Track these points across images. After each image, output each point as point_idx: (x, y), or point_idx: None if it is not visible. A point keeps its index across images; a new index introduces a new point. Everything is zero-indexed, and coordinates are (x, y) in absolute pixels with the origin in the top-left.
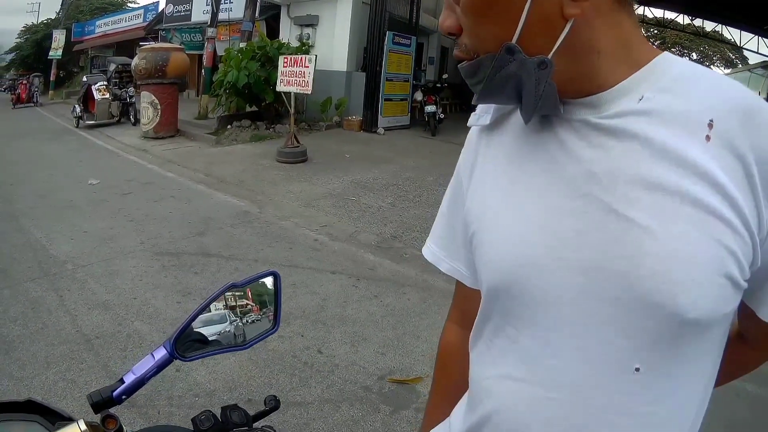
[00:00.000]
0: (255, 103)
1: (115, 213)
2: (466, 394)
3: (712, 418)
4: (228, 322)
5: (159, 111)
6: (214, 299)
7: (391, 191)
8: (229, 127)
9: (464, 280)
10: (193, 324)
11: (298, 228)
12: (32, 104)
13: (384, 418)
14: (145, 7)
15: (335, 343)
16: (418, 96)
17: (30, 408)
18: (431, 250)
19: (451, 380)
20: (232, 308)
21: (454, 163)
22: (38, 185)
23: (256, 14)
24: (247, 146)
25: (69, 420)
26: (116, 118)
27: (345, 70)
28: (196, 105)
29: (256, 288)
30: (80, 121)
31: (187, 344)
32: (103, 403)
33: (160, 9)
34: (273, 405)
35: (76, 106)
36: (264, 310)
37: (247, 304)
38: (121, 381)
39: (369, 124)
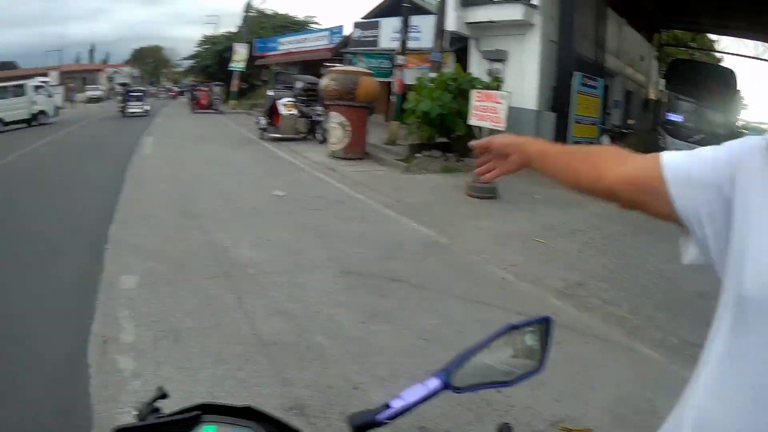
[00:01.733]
0: (445, 134)
1: (302, 227)
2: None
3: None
4: (499, 359)
5: (348, 132)
6: (496, 338)
7: (579, 237)
8: (418, 155)
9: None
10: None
11: (487, 264)
12: (212, 111)
13: None
14: (331, 30)
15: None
16: (605, 140)
17: (246, 414)
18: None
19: (587, 161)
20: (506, 347)
21: (639, 214)
22: (224, 190)
23: (446, 45)
24: (437, 176)
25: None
26: (302, 135)
27: (534, 108)
28: (383, 129)
29: (529, 330)
30: (264, 133)
31: (458, 376)
32: (363, 426)
33: (345, 32)
34: None
35: (261, 118)
36: (532, 351)
37: (520, 345)
38: (387, 406)
39: None
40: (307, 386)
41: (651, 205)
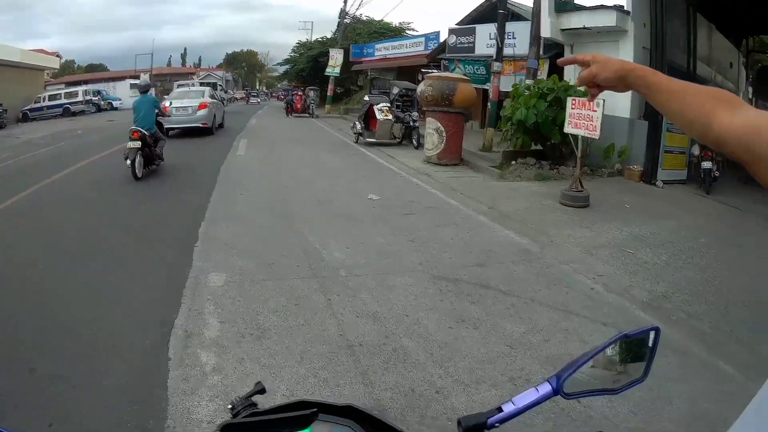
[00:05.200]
0: (540, 142)
1: (395, 231)
2: None
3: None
4: (607, 368)
5: (444, 138)
6: (608, 346)
7: (666, 248)
8: (513, 162)
9: None
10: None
11: (576, 273)
12: (307, 115)
13: None
14: (426, 36)
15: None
16: (695, 150)
17: (347, 413)
18: None
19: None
20: (614, 355)
21: (727, 225)
22: (317, 192)
23: (541, 52)
24: (531, 184)
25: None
26: (397, 140)
27: (628, 116)
28: (478, 136)
29: (637, 340)
30: (360, 137)
31: (568, 383)
32: (474, 428)
33: (441, 38)
34: None
35: (357, 122)
36: (638, 360)
37: (628, 354)
38: (499, 409)
39: (649, 175)
40: (389, 388)
41: (761, 170)
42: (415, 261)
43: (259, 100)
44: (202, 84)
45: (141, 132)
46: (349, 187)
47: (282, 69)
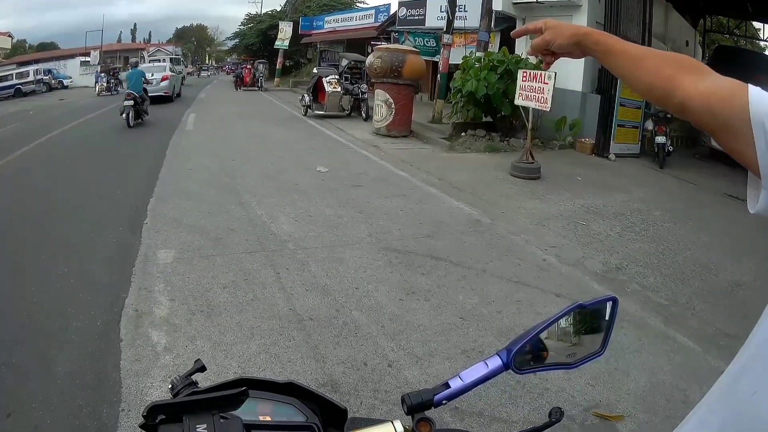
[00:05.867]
0: (491, 114)
1: (344, 203)
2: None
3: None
4: (562, 341)
5: (393, 110)
6: (562, 317)
7: (620, 221)
8: (463, 134)
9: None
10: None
11: (528, 245)
12: (256, 88)
13: None
14: (377, 8)
15: None
16: (649, 125)
17: (289, 390)
18: None
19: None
20: (569, 328)
21: (681, 200)
22: (266, 166)
23: (492, 25)
24: (481, 156)
25: (341, 408)
26: (346, 112)
27: (580, 90)
28: (428, 108)
29: (593, 310)
30: (308, 110)
31: (520, 357)
32: (420, 406)
33: (391, 11)
34: (558, 418)
35: (306, 95)
36: (595, 333)
37: (583, 326)
38: (446, 385)
39: (601, 148)
40: (341, 362)
41: (725, 137)
42: (365, 233)
43: (209, 74)
44: (152, 61)
45: (133, 94)
46: (298, 159)
47: (231, 43)
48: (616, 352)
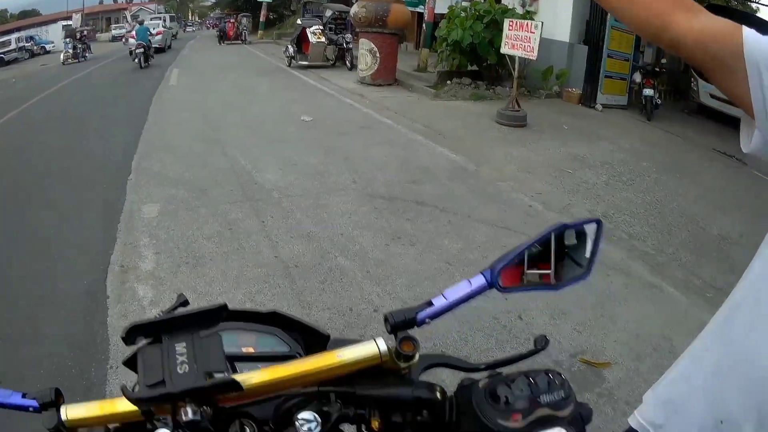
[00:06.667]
0: (476, 63)
1: (329, 151)
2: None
3: None
4: (546, 260)
5: (378, 59)
6: (546, 236)
7: (606, 169)
8: (449, 82)
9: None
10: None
11: (514, 192)
12: (240, 42)
13: None
14: None
15: (536, 312)
16: (637, 77)
17: (272, 320)
18: None
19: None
20: (554, 249)
21: (668, 152)
22: (250, 117)
23: None
24: (467, 103)
25: (324, 335)
26: (331, 62)
27: (567, 41)
28: (413, 57)
29: (578, 232)
30: (293, 61)
31: (504, 275)
32: (403, 324)
33: None
34: (543, 345)
35: (290, 46)
36: (580, 255)
37: (566, 249)
38: (429, 303)
39: (588, 98)
40: (327, 308)
41: (718, 75)
42: (349, 180)
43: (194, 29)
44: (153, 20)
45: (143, 44)
46: (282, 110)
47: None
48: (603, 299)
